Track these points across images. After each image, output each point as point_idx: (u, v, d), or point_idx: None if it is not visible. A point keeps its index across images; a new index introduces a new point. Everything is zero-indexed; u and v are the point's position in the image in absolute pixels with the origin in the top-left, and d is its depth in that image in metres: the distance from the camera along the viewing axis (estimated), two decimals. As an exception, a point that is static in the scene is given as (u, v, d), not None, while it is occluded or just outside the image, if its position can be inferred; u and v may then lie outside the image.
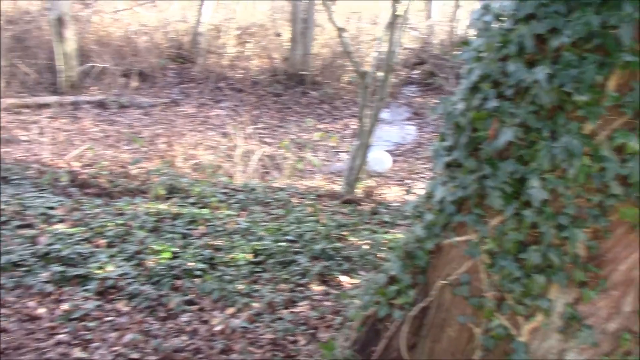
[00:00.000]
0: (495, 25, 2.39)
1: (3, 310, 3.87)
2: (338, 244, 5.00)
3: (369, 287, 3.03)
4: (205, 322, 3.87)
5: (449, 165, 2.55)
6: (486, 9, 2.45)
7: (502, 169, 2.28)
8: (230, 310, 4.00)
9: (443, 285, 2.58)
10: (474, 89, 2.42)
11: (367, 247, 5.00)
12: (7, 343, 3.51)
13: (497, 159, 2.31)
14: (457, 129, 2.50)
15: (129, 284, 4.23)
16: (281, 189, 6.75)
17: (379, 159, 8.38)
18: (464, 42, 2.56)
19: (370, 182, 7.14)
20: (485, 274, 2.41)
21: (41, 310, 3.90)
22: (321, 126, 10.49)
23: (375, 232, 5.47)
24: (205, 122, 10.12)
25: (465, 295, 2.48)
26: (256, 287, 4.29)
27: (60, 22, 10.60)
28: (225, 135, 9.12)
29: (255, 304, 4.05)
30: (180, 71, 12.65)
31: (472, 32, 2.54)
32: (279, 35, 13.61)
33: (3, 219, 5.08)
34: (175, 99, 11.19)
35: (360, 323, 2.94)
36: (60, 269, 4.34)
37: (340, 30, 6.81)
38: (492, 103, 2.31)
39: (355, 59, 6.83)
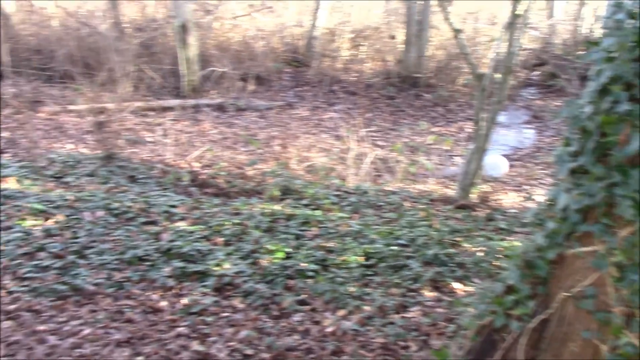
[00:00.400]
0: (628, 23, 2.24)
1: (129, 302, 4.10)
2: (451, 250, 4.89)
3: (484, 295, 2.94)
4: (317, 322, 3.91)
5: (573, 172, 2.42)
6: (618, 6, 2.30)
7: (634, 176, 2.13)
8: (342, 312, 4.02)
9: (565, 297, 2.45)
10: (604, 91, 2.28)
11: (481, 254, 4.86)
12: (133, 333, 3.71)
13: (628, 166, 2.17)
14: (583, 133, 2.37)
15: (245, 281, 4.36)
16: (393, 193, 6.71)
17: (495, 163, 8.13)
18: (593, 42, 2.42)
19: (486, 187, 6.94)
20: (612, 288, 2.26)
21: (163, 303, 4.10)
22: (435, 129, 10.33)
23: (490, 239, 5.31)
24: (319, 124, 10.25)
25: (590, 309, 2.35)
26: (367, 290, 4.29)
27: (183, 29, 11.13)
28: (338, 137, 9.19)
29: (366, 307, 4.05)
30: (295, 74, 12.90)
31: (598, 31, 2.40)
32: (393, 37, 13.55)
33: (130, 215, 5.39)
34: (290, 102, 11.42)
35: (475, 332, 2.85)
36: (181, 264, 4.55)
37: (457, 31, 6.67)
38: (624, 106, 2.16)
39: (472, 61, 6.66)
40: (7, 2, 12.61)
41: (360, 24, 14.34)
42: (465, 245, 5.08)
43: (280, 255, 4.76)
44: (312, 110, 11.00)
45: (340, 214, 5.83)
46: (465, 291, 4.30)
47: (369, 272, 4.56)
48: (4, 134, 7.92)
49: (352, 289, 4.28)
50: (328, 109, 11.27)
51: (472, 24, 13.71)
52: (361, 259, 4.74)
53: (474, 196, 6.50)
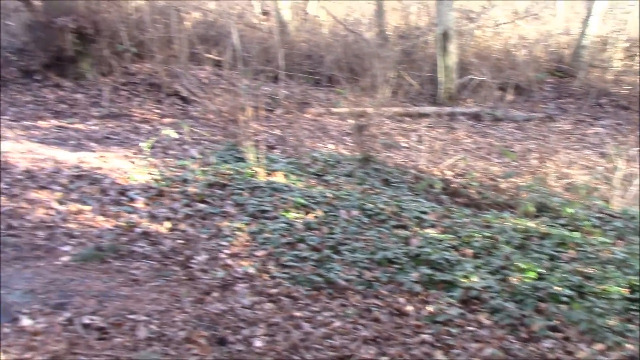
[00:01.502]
0: None
1: (377, 301, 4.24)
2: None
3: None
4: (570, 353, 3.66)
5: None
6: None
7: None
8: (599, 347, 3.70)
9: None
10: None
11: None
12: (379, 332, 3.82)
13: None
14: None
15: (492, 297, 4.24)
16: (670, 221, 6.00)
17: None
18: None
19: None
20: None
21: (409, 308, 4.16)
22: None
23: None
24: (582, 140, 9.57)
25: None
26: (631, 326, 3.89)
27: (445, 37, 11.18)
28: (603, 155, 8.49)
29: (629, 345, 3.68)
30: (558, 85, 12.21)
31: None
32: (677, 47, 12.14)
33: (382, 217, 5.56)
34: (551, 114, 10.84)
35: None
36: (428, 271, 4.57)
37: None
38: None
39: None
40: (285, 11, 13.85)
41: (637, 32, 13.08)
42: None
43: (532, 275, 4.54)
44: (575, 123, 10.31)
45: (602, 239, 5.37)
46: None
47: (634, 307, 4.13)
48: (276, 132, 8.70)
49: (612, 323, 3.92)
50: (593, 123, 10.48)
51: None
52: (625, 291, 4.32)
53: None
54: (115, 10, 10.86)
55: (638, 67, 12.16)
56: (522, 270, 4.60)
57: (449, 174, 7.26)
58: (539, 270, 4.62)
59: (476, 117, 10.59)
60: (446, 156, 7.92)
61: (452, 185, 6.90)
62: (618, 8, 13.95)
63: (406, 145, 8.65)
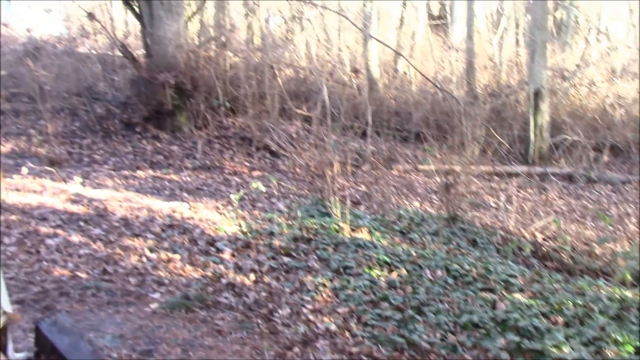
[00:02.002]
0: None
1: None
2: None
3: None
4: None
5: None
6: None
7: None
8: None
9: None
10: None
11: None
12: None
13: None
14: None
15: (586, 371, 4.01)
16: None
17: None
18: None
19: None
20: None
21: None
22: None
23: None
24: (684, 204, 9.06)
25: None
26: None
27: (537, 95, 11.01)
28: None
29: None
30: (658, 147, 11.68)
31: None
32: None
33: (468, 279, 5.42)
34: (650, 177, 10.36)
35: None
36: (516, 338, 4.37)
37: None
38: None
39: None
40: (374, 68, 14.08)
41: None
42: None
43: (629, 348, 4.26)
44: (677, 187, 9.79)
45: None
46: None
47: None
48: (362, 187, 8.75)
49: None
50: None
51: None
52: None
53: None
54: (212, 67, 11.40)
55: None
56: (618, 343, 4.33)
57: (539, 236, 7.03)
58: (638, 344, 4.34)
59: (569, 178, 10.27)
60: (536, 218, 7.69)
61: (542, 249, 6.67)
62: None
63: (494, 205, 8.47)
